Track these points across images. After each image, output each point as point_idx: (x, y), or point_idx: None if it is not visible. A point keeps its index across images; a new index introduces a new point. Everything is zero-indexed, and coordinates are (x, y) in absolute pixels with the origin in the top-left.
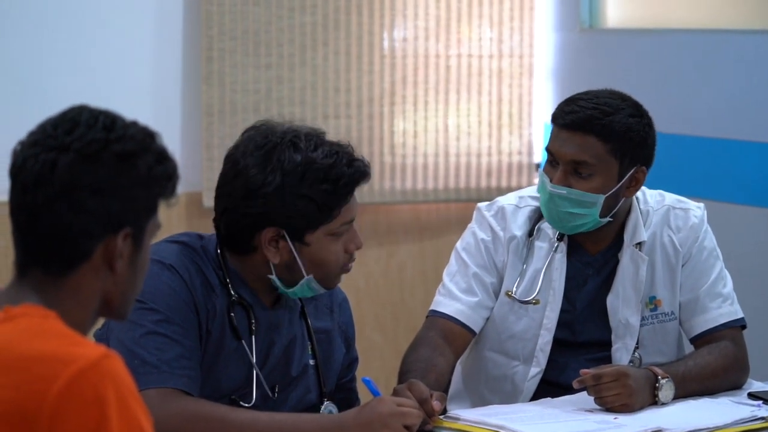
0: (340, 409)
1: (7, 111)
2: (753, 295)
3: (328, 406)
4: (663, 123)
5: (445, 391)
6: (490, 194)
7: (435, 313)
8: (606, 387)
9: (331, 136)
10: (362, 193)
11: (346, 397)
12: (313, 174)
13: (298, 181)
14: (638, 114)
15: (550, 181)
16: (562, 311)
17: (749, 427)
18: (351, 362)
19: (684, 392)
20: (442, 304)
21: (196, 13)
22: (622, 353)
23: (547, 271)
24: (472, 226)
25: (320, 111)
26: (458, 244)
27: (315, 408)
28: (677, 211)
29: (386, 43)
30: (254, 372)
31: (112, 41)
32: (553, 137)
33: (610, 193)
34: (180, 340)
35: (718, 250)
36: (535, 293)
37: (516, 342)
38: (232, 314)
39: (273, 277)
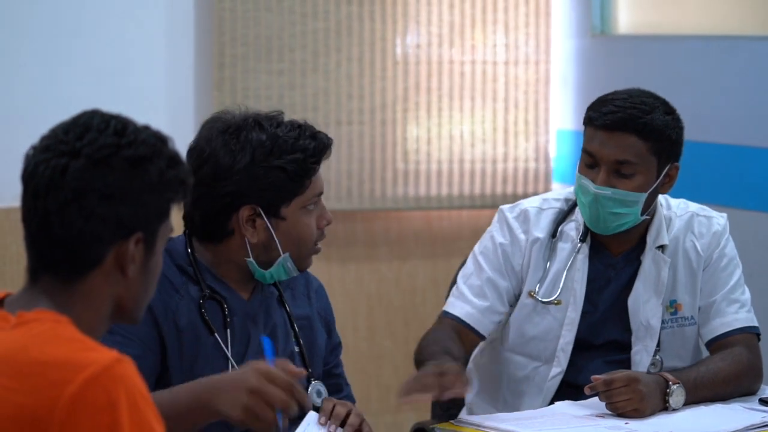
0: (330, 394)
1: (19, 117)
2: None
3: (315, 385)
4: None
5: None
6: (504, 201)
7: (446, 315)
8: (617, 392)
9: (343, 141)
10: (374, 199)
11: (334, 383)
12: (280, 147)
13: (267, 155)
14: (671, 111)
15: (593, 182)
16: (584, 312)
17: None
18: (334, 347)
19: (695, 398)
20: (454, 305)
21: (207, 19)
22: (642, 356)
23: (569, 272)
24: (492, 228)
25: (333, 117)
26: (476, 247)
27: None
28: (701, 218)
29: (399, 50)
30: (229, 365)
31: (124, 47)
32: (591, 138)
33: (650, 190)
34: (120, 349)
35: (738, 259)
36: (557, 293)
37: (538, 342)
38: (203, 310)
39: (250, 260)
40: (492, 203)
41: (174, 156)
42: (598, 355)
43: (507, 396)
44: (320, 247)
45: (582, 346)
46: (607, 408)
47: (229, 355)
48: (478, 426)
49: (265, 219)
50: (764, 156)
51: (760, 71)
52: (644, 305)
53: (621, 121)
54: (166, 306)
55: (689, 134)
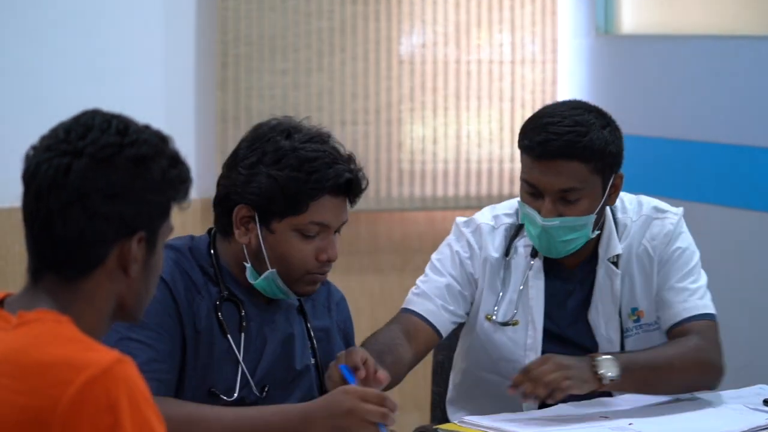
0: None
1: (19, 117)
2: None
3: None
4: (678, 129)
5: (398, 382)
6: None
7: (405, 311)
8: (540, 372)
9: (348, 141)
10: (379, 200)
11: None
12: (290, 160)
13: (272, 162)
14: (606, 122)
15: (539, 213)
16: (547, 330)
17: None
18: None
19: (635, 378)
20: (414, 302)
21: (211, 19)
22: None
23: (524, 291)
24: (450, 239)
25: (337, 117)
26: (433, 255)
27: None
28: (654, 221)
29: (404, 49)
30: (239, 368)
31: (126, 47)
32: (530, 168)
33: (598, 209)
34: (153, 344)
35: (694, 248)
36: (512, 315)
37: (505, 363)
38: (219, 311)
39: (248, 264)
40: (499, 203)
41: (175, 155)
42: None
43: (489, 408)
44: (321, 276)
45: None
46: (540, 395)
47: (240, 359)
48: (482, 427)
49: (258, 225)
50: None
51: (764, 71)
52: (603, 320)
53: (560, 149)
54: (190, 306)
55: (692, 134)
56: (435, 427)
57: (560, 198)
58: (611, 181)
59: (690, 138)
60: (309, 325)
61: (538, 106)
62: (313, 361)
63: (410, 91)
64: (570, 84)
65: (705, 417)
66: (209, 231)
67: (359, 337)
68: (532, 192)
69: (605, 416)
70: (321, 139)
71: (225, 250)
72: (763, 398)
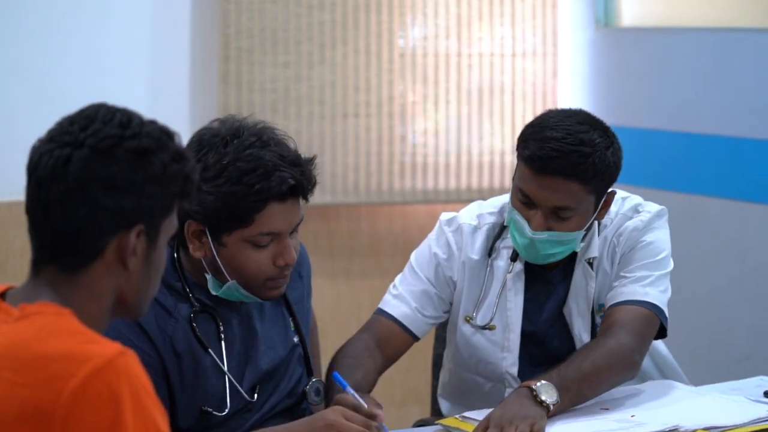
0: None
1: (20, 111)
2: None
3: (315, 383)
4: (678, 121)
5: (369, 391)
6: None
7: (381, 312)
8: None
9: (350, 135)
10: (381, 193)
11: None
12: (230, 173)
13: (213, 177)
14: (609, 142)
15: (528, 224)
16: (526, 331)
17: (765, 426)
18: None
19: (571, 396)
20: (390, 304)
21: (212, 12)
22: None
23: (502, 295)
24: (431, 237)
25: (339, 110)
26: (413, 254)
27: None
28: (629, 220)
29: (405, 42)
30: (225, 379)
31: (126, 41)
32: (528, 179)
33: (588, 225)
34: None
35: (663, 245)
36: (491, 319)
37: (485, 365)
38: (195, 324)
39: (209, 276)
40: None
41: (179, 151)
42: (550, 368)
43: (478, 406)
44: (283, 280)
45: (533, 361)
46: None
47: (225, 369)
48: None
49: (209, 239)
50: None
51: (764, 64)
52: (577, 319)
53: (561, 168)
54: (164, 333)
55: (693, 127)
56: (436, 421)
57: (553, 213)
58: (604, 198)
59: (690, 130)
60: (289, 302)
61: (539, 99)
62: (296, 339)
63: (412, 84)
64: (570, 77)
65: (706, 408)
66: (172, 240)
67: (357, 329)
68: (525, 201)
69: (605, 408)
70: (261, 143)
71: (187, 260)
72: (763, 390)
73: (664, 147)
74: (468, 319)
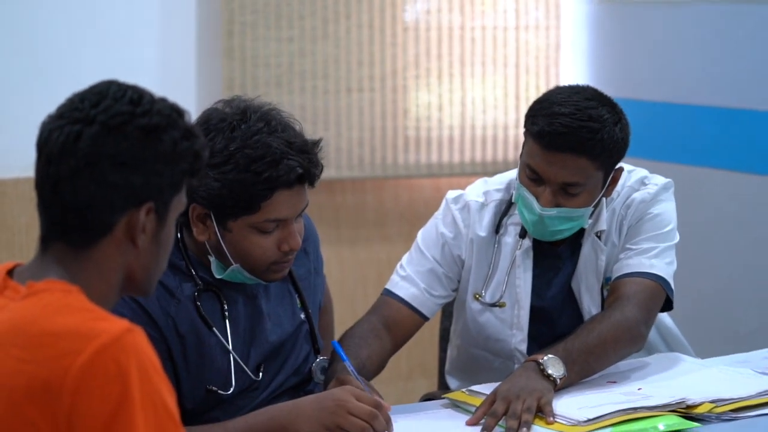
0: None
1: (26, 88)
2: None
3: (321, 362)
4: (680, 93)
5: (376, 374)
6: (515, 167)
7: (389, 294)
8: (513, 411)
9: (354, 109)
10: (385, 167)
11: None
12: (237, 160)
13: (220, 164)
14: (617, 118)
15: (537, 200)
16: (535, 307)
17: None
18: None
19: (577, 369)
20: (398, 285)
21: None
22: None
23: (511, 273)
24: (437, 216)
25: (343, 84)
26: (420, 233)
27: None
28: (635, 192)
29: (409, 16)
30: (230, 357)
31: (130, 17)
32: (536, 156)
33: (596, 201)
34: None
35: (670, 217)
36: (500, 296)
37: (494, 342)
38: (199, 303)
39: (212, 258)
40: (504, 169)
41: (189, 128)
42: (554, 344)
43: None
44: (286, 264)
45: (541, 340)
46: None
47: (230, 348)
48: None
49: (215, 224)
50: None
51: (766, 35)
52: (586, 293)
53: (571, 144)
54: (166, 314)
55: (698, 99)
56: (443, 395)
57: (561, 189)
58: (612, 174)
59: (692, 102)
60: (295, 279)
61: (542, 72)
62: (303, 316)
63: (415, 58)
64: (573, 50)
65: (712, 381)
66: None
67: (364, 303)
68: (533, 178)
69: (612, 381)
70: (269, 128)
71: (191, 240)
72: None
73: (666, 118)
74: (477, 297)
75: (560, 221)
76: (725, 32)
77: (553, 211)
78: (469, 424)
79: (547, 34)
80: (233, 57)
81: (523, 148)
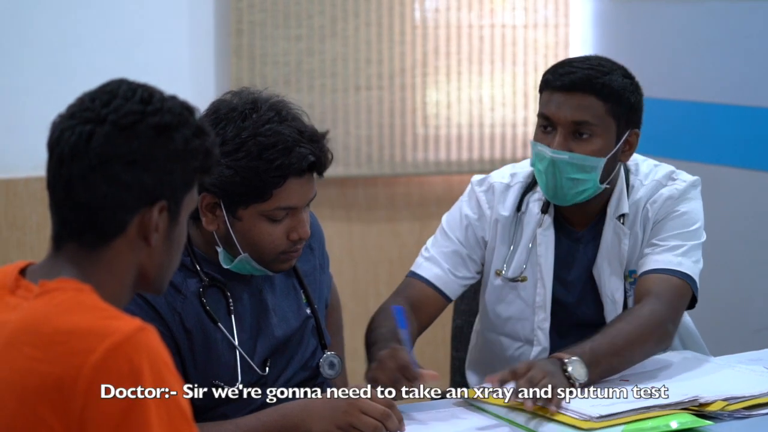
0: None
1: (37, 88)
2: None
3: (329, 357)
4: (691, 91)
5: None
6: None
7: (414, 275)
8: (531, 377)
9: (362, 107)
10: (395, 164)
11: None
12: (249, 148)
13: (231, 151)
14: (629, 76)
15: (549, 146)
16: (555, 291)
17: None
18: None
19: (601, 370)
20: (422, 267)
21: None
22: None
23: (534, 248)
24: (462, 199)
25: (352, 82)
26: (445, 216)
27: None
28: (663, 187)
29: (418, 14)
30: (236, 353)
31: (145, 16)
32: (547, 101)
33: (609, 156)
34: None
35: (697, 216)
36: (522, 270)
37: (515, 323)
38: (204, 299)
39: (220, 249)
40: None
41: (201, 126)
42: (577, 334)
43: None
44: (295, 253)
45: (560, 327)
46: (522, 400)
47: (236, 343)
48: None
49: (224, 212)
50: None
51: None
52: (608, 278)
53: (579, 81)
54: (173, 310)
55: (711, 96)
56: (459, 395)
57: (572, 132)
58: (626, 135)
59: (704, 100)
60: (299, 275)
61: None
62: (309, 311)
63: (424, 56)
64: (582, 48)
65: (724, 378)
66: None
67: (375, 299)
68: (545, 125)
69: (625, 379)
70: (280, 117)
71: (197, 234)
72: None
73: (678, 116)
74: (498, 273)
75: (572, 168)
76: (735, 29)
77: (565, 155)
78: (489, 380)
79: (557, 32)
80: (242, 55)
81: (538, 109)
